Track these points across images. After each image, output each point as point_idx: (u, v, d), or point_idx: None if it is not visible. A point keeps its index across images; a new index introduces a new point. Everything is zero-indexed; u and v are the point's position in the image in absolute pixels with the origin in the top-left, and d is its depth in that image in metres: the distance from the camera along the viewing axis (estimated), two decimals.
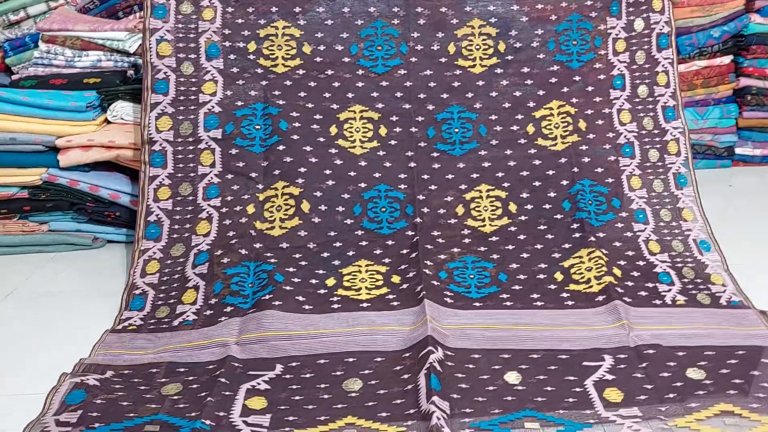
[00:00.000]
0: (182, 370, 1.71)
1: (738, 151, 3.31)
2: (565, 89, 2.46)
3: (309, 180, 2.29)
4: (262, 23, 2.44)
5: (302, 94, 2.41)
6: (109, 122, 2.55)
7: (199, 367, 1.72)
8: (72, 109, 2.46)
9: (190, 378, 1.68)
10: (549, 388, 1.63)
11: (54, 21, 2.76)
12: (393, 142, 2.39)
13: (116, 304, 2.09)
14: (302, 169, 2.30)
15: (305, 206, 2.25)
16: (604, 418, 1.52)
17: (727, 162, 3.31)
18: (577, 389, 1.62)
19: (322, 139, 2.37)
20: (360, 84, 2.44)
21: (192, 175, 2.33)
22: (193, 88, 2.39)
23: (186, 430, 1.47)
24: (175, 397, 1.60)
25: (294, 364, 1.74)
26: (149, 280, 2.13)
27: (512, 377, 1.67)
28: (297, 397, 1.61)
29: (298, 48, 2.43)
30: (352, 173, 2.33)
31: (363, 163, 2.35)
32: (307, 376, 1.69)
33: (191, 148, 2.34)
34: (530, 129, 2.42)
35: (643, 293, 2.02)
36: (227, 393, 1.60)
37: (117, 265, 2.43)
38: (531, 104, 2.44)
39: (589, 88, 2.48)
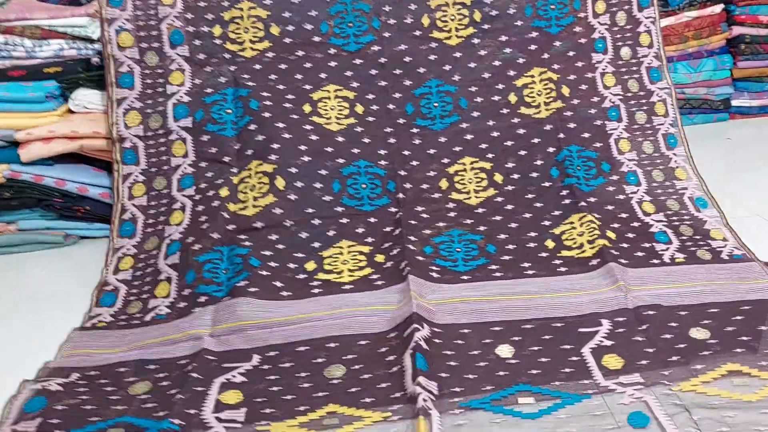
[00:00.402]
0: (152, 367, 1.61)
1: (734, 103, 3.20)
2: (546, 55, 2.36)
3: (283, 156, 2.16)
4: (226, 5, 2.33)
5: (273, 77, 2.31)
6: (72, 112, 2.43)
7: (170, 363, 1.61)
8: (30, 101, 2.33)
9: (161, 375, 1.57)
10: (544, 360, 1.53)
11: (11, 11, 2.63)
12: (371, 119, 2.29)
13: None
14: (275, 146, 2.18)
15: (280, 183, 2.13)
16: (603, 387, 1.42)
17: (723, 115, 3.21)
18: (574, 358, 1.52)
19: (295, 116, 2.25)
20: (333, 64, 2.33)
21: (165, 168, 2.23)
22: (160, 80, 2.29)
23: (152, 431, 1.36)
24: (144, 397, 1.49)
25: (272, 353, 1.63)
26: (122, 276, 2.02)
27: (504, 351, 1.57)
28: (275, 388, 1.50)
29: (265, 30, 2.33)
30: (329, 149, 2.21)
31: (340, 139, 2.24)
32: (287, 365, 1.58)
33: (162, 140, 2.25)
34: (512, 98, 2.32)
35: (639, 254, 1.92)
36: (199, 389, 1.49)
37: (91, 262, 2.30)
38: (511, 73, 2.34)
39: (571, 53, 2.38)
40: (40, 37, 2.60)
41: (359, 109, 2.30)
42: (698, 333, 1.56)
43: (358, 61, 2.33)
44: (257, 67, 2.31)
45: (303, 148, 2.19)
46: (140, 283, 1.99)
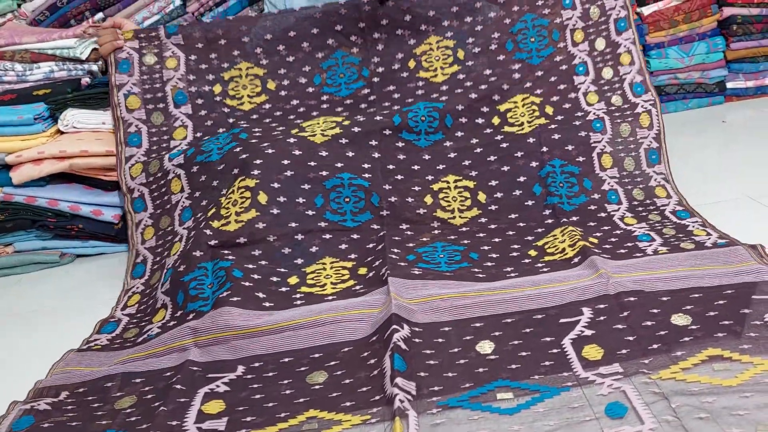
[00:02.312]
0: (138, 380, 1.62)
1: (729, 85, 3.17)
2: (528, 84, 2.44)
3: (265, 171, 2.17)
4: (226, 66, 2.48)
5: (267, 120, 2.44)
6: (62, 132, 2.46)
7: (155, 375, 1.63)
8: (19, 123, 2.37)
9: (146, 388, 1.59)
10: (524, 354, 1.51)
11: (1, 37, 2.68)
12: (356, 129, 2.32)
13: (88, 321, 2.00)
14: (258, 161, 2.18)
15: (262, 198, 2.13)
16: (583, 379, 1.40)
17: (719, 98, 3.18)
18: (554, 350, 1.51)
19: (279, 135, 2.30)
20: (325, 106, 2.46)
21: (168, 206, 2.31)
22: (165, 137, 2.42)
23: None
24: (128, 410, 1.51)
25: (257, 364, 1.64)
26: (128, 311, 2.07)
27: (485, 347, 1.56)
28: (257, 396, 1.51)
29: (262, 86, 2.47)
30: (312, 163, 2.22)
31: (324, 153, 2.24)
32: (270, 374, 1.59)
33: (162, 182, 2.33)
34: (496, 120, 2.37)
35: (622, 251, 1.90)
36: (183, 400, 1.51)
37: (87, 280, 2.35)
38: (496, 98, 2.41)
39: (553, 78, 2.47)
40: (30, 60, 2.65)
41: (345, 122, 2.35)
42: (680, 319, 1.54)
43: (348, 101, 2.46)
44: (254, 116, 2.45)
45: (286, 162, 2.20)
46: (142, 314, 2.03)
